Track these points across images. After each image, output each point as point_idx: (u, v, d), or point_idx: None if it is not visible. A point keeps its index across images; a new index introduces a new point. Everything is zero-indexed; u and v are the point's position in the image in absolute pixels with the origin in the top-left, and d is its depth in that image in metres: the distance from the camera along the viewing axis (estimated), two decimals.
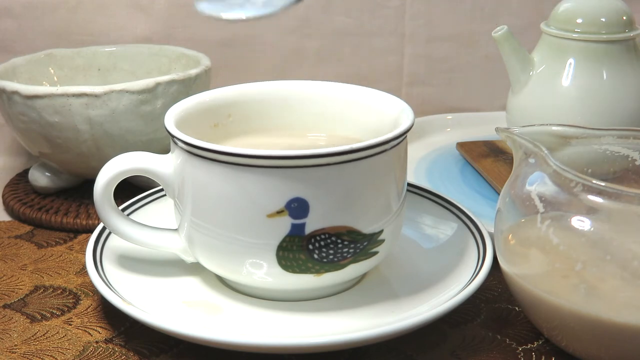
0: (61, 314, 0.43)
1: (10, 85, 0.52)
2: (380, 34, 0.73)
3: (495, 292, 0.44)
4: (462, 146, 0.62)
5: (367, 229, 0.38)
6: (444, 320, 0.41)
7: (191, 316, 0.39)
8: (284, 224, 0.37)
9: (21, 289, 0.46)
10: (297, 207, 0.36)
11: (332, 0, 0.72)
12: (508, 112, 0.56)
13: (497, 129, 0.42)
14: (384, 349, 0.39)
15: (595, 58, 0.51)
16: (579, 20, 0.52)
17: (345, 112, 0.46)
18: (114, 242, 0.44)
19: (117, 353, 0.39)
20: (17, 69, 0.59)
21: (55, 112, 0.51)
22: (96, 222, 0.52)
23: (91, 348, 0.39)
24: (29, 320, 0.42)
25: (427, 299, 0.40)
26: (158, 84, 0.52)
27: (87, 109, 0.51)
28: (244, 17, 0.30)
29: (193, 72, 0.55)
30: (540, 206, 0.37)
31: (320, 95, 0.46)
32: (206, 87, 0.56)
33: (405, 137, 0.40)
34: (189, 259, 0.42)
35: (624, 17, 0.52)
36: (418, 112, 0.43)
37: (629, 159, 0.42)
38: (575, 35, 0.52)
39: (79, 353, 0.39)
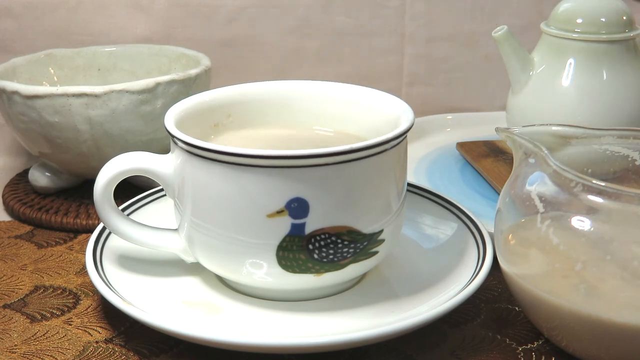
0: (61, 314, 0.43)
1: (10, 85, 0.52)
2: (380, 34, 0.73)
3: (495, 292, 0.44)
4: (462, 146, 0.62)
5: (367, 229, 0.38)
6: (444, 320, 0.41)
7: (191, 316, 0.39)
8: (284, 224, 0.37)
9: (21, 289, 0.46)
10: (297, 207, 0.36)
11: (332, 0, 0.72)
12: (508, 112, 0.56)
13: (497, 129, 0.42)
14: (384, 349, 0.39)
15: (595, 58, 0.51)
16: (579, 20, 0.52)
17: (345, 112, 0.46)
18: (114, 242, 0.44)
19: (117, 353, 0.39)
20: (17, 69, 0.59)
21: (55, 112, 0.51)
22: (96, 222, 0.52)
23: (91, 348, 0.39)
24: (29, 320, 0.42)
25: (427, 299, 0.40)
26: (158, 84, 0.52)
27: (87, 109, 0.51)
28: None
29: (193, 72, 0.55)
30: (540, 206, 0.37)
31: (321, 95, 0.46)
32: (206, 87, 0.56)
33: (405, 137, 0.40)
34: (189, 259, 0.42)
35: (624, 17, 0.52)
36: (418, 112, 0.43)
37: (629, 159, 0.42)
38: (575, 35, 0.52)
39: (79, 353, 0.39)
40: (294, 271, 0.38)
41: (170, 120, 0.40)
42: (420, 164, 0.60)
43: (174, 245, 0.42)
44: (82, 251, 0.50)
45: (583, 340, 0.36)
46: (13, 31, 0.68)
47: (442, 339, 0.40)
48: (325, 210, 0.37)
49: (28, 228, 0.54)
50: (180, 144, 0.38)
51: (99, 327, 0.41)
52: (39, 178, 0.57)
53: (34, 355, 0.39)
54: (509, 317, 0.42)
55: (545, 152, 0.38)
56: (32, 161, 0.64)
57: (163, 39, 0.69)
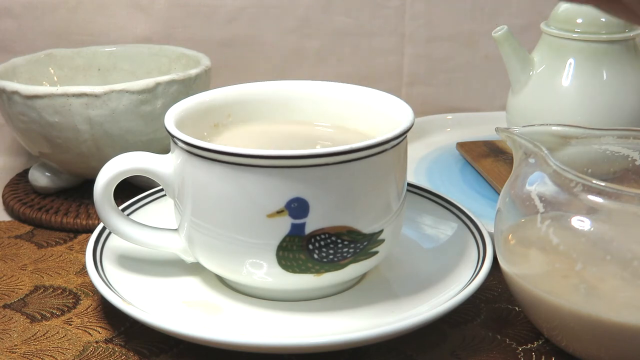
0: (61, 314, 0.43)
1: (10, 85, 0.52)
2: (380, 34, 0.73)
3: (495, 292, 0.44)
4: (462, 146, 0.62)
5: (367, 229, 0.38)
6: (444, 320, 0.41)
7: (191, 316, 0.39)
8: (284, 224, 0.37)
9: (21, 289, 0.46)
10: (297, 207, 0.36)
11: (332, 0, 0.72)
12: (508, 112, 0.56)
13: (497, 129, 0.42)
14: (384, 349, 0.39)
15: (595, 58, 0.51)
16: (579, 20, 0.52)
17: (346, 112, 0.46)
18: (114, 242, 0.44)
19: (117, 353, 0.39)
20: (17, 69, 0.59)
21: (55, 112, 0.51)
22: (96, 222, 0.52)
23: (91, 348, 0.39)
24: (29, 320, 0.42)
25: (427, 299, 0.40)
26: (158, 84, 0.52)
27: (87, 109, 0.51)
28: None
29: (193, 72, 0.55)
30: (540, 206, 0.37)
31: (321, 95, 0.46)
32: (206, 87, 0.56)
33: (405, 137, 0.40)
34: (189, 259, 0.42)
35: None
36: (418, 112, 0.43)
37: (629, 159, 0.42)
38: (575, 35, 0.52)
39: (79, 353, 0.39)
40: (294, 271, 0.38)
41: (170, 120, 0.40)
42: (420, 164, 0.60)
43: (174, 245, 0.42)
44: (82, 251, 0.50)
45: (583, 340, 0.36)
46: (13, 31, 0.68)
47: (442, 339, 0.40)
48: (325, 210, 0.37)
49: (28, 228, 0.54)
50: (180, 144, 0.38)
51: (99, 327, 0.41)
52: (39, 178, 0.57)
53: (34, 355, 0.39)
54: (509, 317, 0.42)
55: (545, 152, 0.38)
56: (32, 161, 0.64)
57: (163, 39, 0.69)
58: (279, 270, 0.38)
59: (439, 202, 0.48)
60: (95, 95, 0.51)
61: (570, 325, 0.36)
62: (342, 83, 0.46)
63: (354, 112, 0.45)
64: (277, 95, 0.47)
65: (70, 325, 0.41)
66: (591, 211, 0.35)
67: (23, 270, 0.48)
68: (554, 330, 0.37)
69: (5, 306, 0.44)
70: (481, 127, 0.66)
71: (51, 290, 0.45)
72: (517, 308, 0.42)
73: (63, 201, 0.57)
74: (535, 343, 0.39)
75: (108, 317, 0.42)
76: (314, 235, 0.37)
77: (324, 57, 0.73)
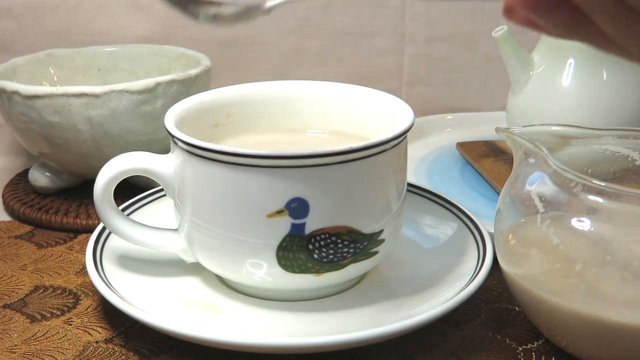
0: (61, 314, 0.43)
1: (10, 85, 0.52)
2: (380, 34, 0.73)
3: (495, 292, 0.44)
4: (462, 146, 0.62)
5: (367, 229, 0.38)
6: (444, 320, 0.41)
7: (191, 316, 0.39)
8: (284, 224, 0.37)
9: (21, 289, 0.46)
10: (297, 207, 0.36)
11: (332, 0, 0.72)
12: (508, 112, 0.56)
13: (497, 129, 0.42)
14: (384, 349, 0.39)
15: (595, 58, 0.51)
16: None
17: (345, 112, 0.46)
18: (114, 242, 0.44)
19: (117, 353, 0.39)
20: (17, 69, 0.59)
21: (55, 112, 0.51)
22: (96, 222, 0.52)
23: (91, 348, 0.39)
24: (29, 320, 0.42)
25: (427, 299, 0.40)
26: (158, 84, 0.52)
27: (87, 109, 0.51)
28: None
29: (193, 72, 0.55)
30: (540, 206, 0.37)
31: (320, 95, 0.46)
32: (206, 87, 0.56)
33: (405, 137, 0.40)
34: (189, 259, 0.42)
35: None
36: (418, 112, 0.43)
37: (629, 159, 0.42)
38: None
39: (79, 353, 0.39)
40: (294, 271, 0.38)
41: (170, 120, 0.40)
42: (420, 164, 0.60)
43: (174, 245, 0.42)
44: (82, 251, 0.50)
45: (583, 340, 0.36)
46: (13, 31, 0.68)
47: (442, 339, 0.40)
48: (325, 210, 0.37)
49: (28, 228, 0.54)
50: (180, 144, 0.38)
51: (99, 327, 0.41)
52: (39, 178, 0.57)
53: (34, 355, 0.39)
54: (509, 317, 0.42)
55: (545, 152, 0.38)
56: (32, 161, 0.64)
57: (163, 39, 0.69)
58: (279, 270, 0.38)
59: (439, 202, 0.48)
60: (95, 95, 0.51)
61: (570, 325, 0.36)
62: (342, 83, 0.46)
63: (354, 113, 0.45)
64: (276, 95, 0.47)
65: (70, 325, 0.41)
66: (591, 211, 0.35)
67: (23, 270, 0.48)
68: (554, 330, 0.37)
69: (5, 306, 0.44)
70: (481, 127, 0.66)
71: (51, 290, 0.45)
72: (517, 308, 0.42)
73: (63, 201, 0.57)
74: (535, 343, 0.39)
75: (108, 317, 0.42)
76: (314, 235, 0.37)
77: (324, 57, 0.73)
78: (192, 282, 0.43)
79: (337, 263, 0.38)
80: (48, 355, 0.39)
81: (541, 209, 0.37)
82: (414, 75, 0.75)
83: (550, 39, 0.53)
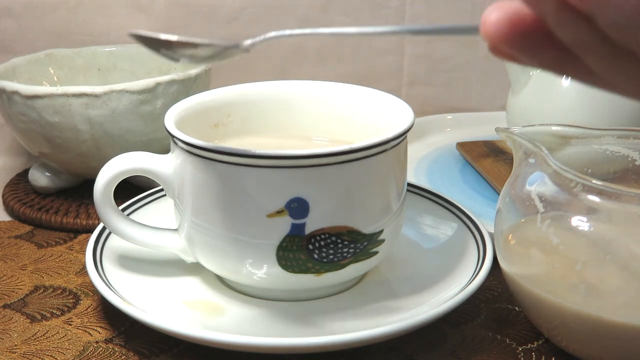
0: (61, 314, 0.43)
1: (10, 85, 0.52)
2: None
3: (495, 292, 0.44)
4: (462, 146, 0.62)
5: (367, 229, 0.38)
6: (444, 320, 0.41)
7: (191, 316, 0.39)
8: (284, 224, 0.37)
9: (21, 289, 0.46)
10: (297, 207, 0.36)
11: (332, 0, 0.72)
12: (508, 112, 0.56)
13: (497, 129, 0.42)
14: (384, 349, 0.39)
15: None
16: None
17: (345, 112, 0.46)
18: (114, 242, 0.44)
19: (117, 353, 0.39)
20: (17, 69, 0.59)
21: (55, 112, 0.51)
22: (96, 222, 0.52)
23: (91, 348, 0.39)
24: (29, 320, 0.42)
25: (427, 299, 0.40)
26: (158, 84, 0.52)
27: (87, 109, 0.51)
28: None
29: (193, 72, 0.55)
30: (540, 206, 0.37)
31: (320, 95, 0.46)
32: (206, 87, 0.56)
33: (405, 137, 0.40)
34: (189, 259, 0.42)
35: None
36: (418, 112, 0.43)
37: (629, 159, 0.42)
38: None
39: (79, 353, 0.39)
40: (294, 271, 0.38)
41: (170, 120, 0.40)
42: (420, 164, 0.60)
43: (174, 245, 0.42)
44: (82, 251, 0.50)
45: (583, 340, 0.36)
46: (13, 31, 0.68)
47: (442, 339, 0.40)
48: (325, 210, 0.37)
49: (28, 228, 0.54)
50: (180, 144, 0.38)
51: (99, 327, 0.41)
52: (39, 178, 0.57)
53: (34, 355, 0.39)
54: (509, 317, 0.42)
55: (545, 152, 0.38)
56: (32, 161, 0.64)
57: None
58: (279, 270, 0.38)
59: (439, 202, 0.48)
60: (95, 95, 0.51)
61: (570, 325, 0.36)
62: (342, 83, 0.46)
63: (354, 113, 0.45)
64: (277, 95, 0.47)
65: (70, 325, 0.41)
66: (591, 211, 0.35)
67: (23, 270, 0.48)
68: (554, 330, 0.37)
69: (5, 306, 0.44)
70: (481, 127, 0.66)
71: (51, 290, 0.45)
72: (517, 308, 0.42)
73: (63, 201, 0.57)
74: (535, 343, 0.39)
75: (108, 317, 0.42)
76: (314, 235, 0.37)
77: (324, 57, 0.73)
78: (192, 282, 0.43)
79: (337, 263, 0.38)
80: (48, 355, 0.39)
81: (541, 209, 0.37)
82: (414, 75, 0.75)
83: None
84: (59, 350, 0.39)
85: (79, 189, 0.58)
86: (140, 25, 0.69)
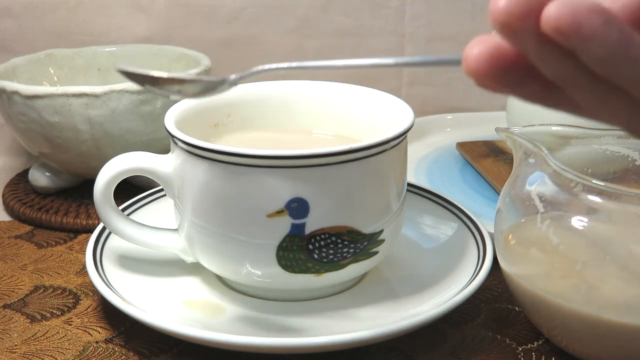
0: (61, 314, 0.43)
1: (10, 85, 0.52)
2: (380, 34, 0.73)
3: (495, 292, 0.44)
4: (462, 146, 0.62)
5: (367, 229, 0.38)
6: (444, 320, 0.41)
7: (191, 316, 0.39)
8: (284, 224, 0.37)
9: (21, 289, 0.46)
10: (297, 207, 0.36)
11: (332, 0, 0.72)
12: (508, 112, 0.56)
13: (497, 129, 0.42)
14: (384, 349, 0.39)
15: None
16: None
17: (345, 113, 0.46)
18: (114, 242, 0.44)
19: (117, 353, 0.39)
20: (17, 69, 0.59)
21: (55, 112, 0.51)
22: (96, 222, 0.52)
23: (91, 348, 0.39)
24: (29, 320, 0.42)
25: (427, 299, 0.40)
26: None
27: (87, 109, 0.51)
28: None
29: (193, 72, 0.55)
30: (540, 206, 0.37)
31: (320, 95, 0.46)
32: None
33: (405, 137, 0.40)
34: (189, 259, 0.42)
35: None
36: (418, 112, 0.43)
37: (629, 159, 0.42)
38: None
39: (79, 353, 0.39)
40: (294, 271, 0.38)
41: (170, 120, 0.40)
42: (420, 164, 0.60)
43: (174, 245, 0.42)
44: (82, 251, 0.50)
45: (583, 340, 0.36)
46: (13, 31, 0.68)
47: (442, 339, 0.40)
48: (325, 210, 0.37)
49: (28, 228, 0.54)
50: (180, 144, 0.38)
51: (99, 327, 0.41)
52: (39, 178, 0.57)
53: (34, 355, 0.39)
54: (509, 317, 0.42)
55: (545, 152, 0.38)
56: (32, 161, 0.64)
57: (163, 39, 0.69)
58: (279, 270, 0.38)
59: (439, 202, 0.48)
60: (95, 95, 0.51)
61: (570, 325, 0.36)
62: (342, 83, 0.46)
63: (353, 113, 0.45)
64: (277, 95, 0.47)
65: (70, 325, 0.41)
66: (591, 211, 0.35)
67: (23, 270, 0.48)
68: (554, 330, 0.37)
69: (5, 306, 0.44)
70: (481, 127, 0.66)
71: (51, 290, 0.45)
72: (517, 308, 0.42)
73: (63, 201, 0.57)
74: (535, 343, 0.39)
75: (108, 317, 0.42)
76: (314, 235, 0.37)
77: (324, 57, 0.73)
78: (192, 282, 0.43)
79: (337, 263, 0.38)
80: (48, 355, 0.39)
81: (541, 209, 0.37)
82: (414, 75, 0.75)
83: None
84: (59, 350, 0.39)
85: (79, 189, 0.58)
86: (140, 25, 0.69)
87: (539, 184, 0.38)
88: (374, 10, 0.73)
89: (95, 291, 0.44)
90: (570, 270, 0.35)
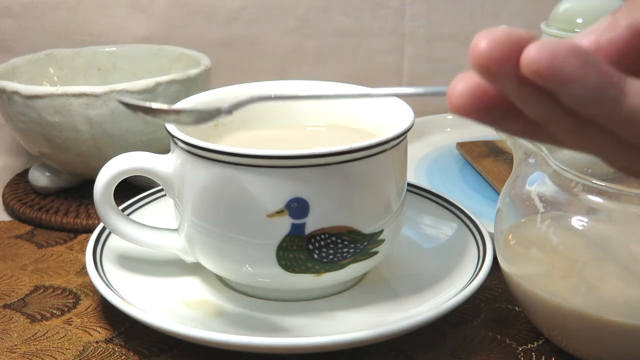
0: (61, 314, 0.43)
1: (10, 85, 0.52)
2: (380, 34, 0.73)
3: (495, 292, 0.44)
4: (462, 146, 0.62)
5: (367, 229, 0.38)
6: (444, 320, 0.41)
7: (191, 316, 0.39)
8: (284, 224, 0.37)
9: (21, 289, 0.46)
10: (297, 207, 0.36)
11: (332, 0, 0.72)
12: None
13: (497, 129, 0.42)
14: (384, 348, 0.39)
15: None
16: (579, 20, 0.52)
17: (345, 112, 0.46)
18: (114, 242, 0.44)
19: (117, 353, 0.39)
20: (17, 69, 0.59)
21: (55, 112, 0.51)
22: (96, 222, 0.52)
23: (91, 348, 0.39)
24: (29, 320, 0.42)
25: (427, 299, 0.40)
26: (158, 84, 0.52)
27: (87, 109, 0.51)
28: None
29: (193, 72, 0.55)
30: (540, 206, 0.37)
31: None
32: (206, 87, 0.56)
33: (405, 137, 0.40)
34: (189, 259, 0.42)
35: None
36: (418, 112, 0.43)
37: None
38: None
39: (79, 353, 0.39)
40: (294, 271, 0.38)
41: None
42: (420, 164, 0.60)
43: (174, 245, 0.42)
44: (82, 251, 0.50)
45: (583, 340, 0.36)
46: (13, 31, 0.68)
47: (442, 339, 0.40)
48: (325, 210, 0.37)
49: (28, 228, 0.54)
50: (180, 144, 0.38)
51: (99, 327, 0.41)
52: (39, 178, 0.57)
53: (34, 355, 0.39)
54: (509, 317, 0.42)
55: (545, 152, 0.38)
56: (32, 161, 0.64)
57: (163, 39, 0.69)
58: (279, 270, 0.38)
59: (439, 202, 0.48)
60: (95, 95, 0.51)
61: (570, 325, 0.36)
62: (342, 83, 0.46)
63: (354, 113, 0.45)
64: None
65: (70, 325, 0.41)
66: (591, 211, 0.35)
67: (23, 270, 0.48)
68: (554, 330, 0.37)
69: (5, 306, 0.44)
70: (481, 127, 0.66)
71: (51, 290, 0.45)
72: (517, 308, 0.42)
73: (63, 201, 0.57)
74: (535, 343, 0.39)
75: (108, 317, 0.42)
76: (314, 235, 0.37)
77: (324, 57, 0.73)
78: (192, 282, 0.43)
79: (337, 263, 0.38)
80: (48, 355, 0.39)
81: (541, 209, 0.37)
82: (414, 75, 0.75)
83: (550, 39, 0.53)
84: (59, 350, 0.39)
85: (79, 189, 0.58)
86: (140, 25, 0.69)
87: (539, 184, 0.38)
88: (374, 10, 0.73)
89: (95, 291, 0.44)
90: (570, 270, 0.35)
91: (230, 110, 0.28)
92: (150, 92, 0.52)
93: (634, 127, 0.20)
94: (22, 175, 0.62)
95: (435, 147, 0.64)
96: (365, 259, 0.39)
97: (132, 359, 0.38)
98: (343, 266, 0.38)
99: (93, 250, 0.43)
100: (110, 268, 0.42)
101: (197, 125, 0.33)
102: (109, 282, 0.40)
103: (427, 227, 0.47)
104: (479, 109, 0.22)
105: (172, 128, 0.39)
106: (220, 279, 0.43)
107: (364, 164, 0.37)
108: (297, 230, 0.37)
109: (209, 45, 0.69)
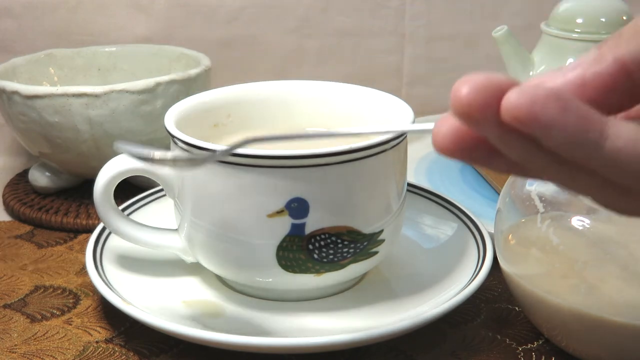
0: (61, 314, 0.43)
1: (10, 85, 0.52)
2: (380, 34, 0.73)
3: (495, 292, 0.44)
4: None
5: (367, 229, 0.38)
6: (444, 320, 0.41)
7: (191, 316, 0.39)
8: (284, 224, 0.37)
9: (21, 289, 0.46)
10: (297, 207, 0.36)
11: (332, 0, 0.72)
12: None
13: None
14: (384, 349, 0.39)
15: None
16: (579, 20, 0.52)
17: (345, 113, 0.46)
18: (114, 242, 0.44)
19: (117, 353, 0.39)
20: (17, 69, 0.59)
21: (55, 112, 0.51)
22: (96, 222, 0.52)
23: (91, 348, 0.39)
24: (29, 320, 0.42)
25: (427, 299, 0.40)
26: (158, 84, 0.52)
27: (87, 109, 0.51)
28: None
29: (193, 72, 0.55)
30: (540, 206, 0.37)
31: (320, 95, 0.46)
32: (206, 87, 0.56)
33: (405, 137, 0.40)
34: (189, 259, 0.42)
35: (624, 17, 0.52)
36: (418, 112, 0.43)
37: None
38: (575, 35, 0.52)
39: (79, 353, 0.39)
40: (294, 271, 0.38)
41: (170, 120, 0.40)
42: (420, 164, 0.60)
43: (174, 245, 0.42)
44: (82, 251, 0.50)
45: (583, 340, 0.36)
46: (13, 31, 0.68)
47: (442, 339, 0.40)
48: (325, 210, 0.37)
49: (28, 228, 0.54)
50: (180, 144, 0.38)
51: (99, 327, 0.41)
52: (39, 178, 0.57)
53: (34, 355, 0.39)
54: (509, 317, 0.42)
55: None
56: (32, 161, 0.64)
57: (163, 39, 0.69)
58: (279, 270, 0.38)
59: (439, 202, 0.48)
60: (95, 95, 0.51)
61: (570, 325, 0.36)
62: (342, 83, 0.46)
63: (354, 113, 0.45)
64: (276, 95, 0.47)
65: (70, 325, 0.41)
66: (591, 211, 0.35)
67: (23, 270, 0.48)
68: (554, 330, 0.37)
69: (5, 306, 0.44)
70: None
71: (51, 290, 0.45)
72: (517, 308, 0.42)
73: (63, 201, 0.57)
74: (535, 343, 0.39)
75: (108, 317, 0.42)
76: (314, 235, 0.37)
77: (324, 57, 0.73)
78: (192, 282, 0.43)
79: (337, 263, 0.38)
80: (48, 355, 0.39)
81: (541, 209, 0.37)
82: (414, 75, 0.75)
83: (550, 39, 0.53)
84: (59, 350, 0.39)
85: (79, 189, 0.58)
86: (140, 25, 0.69)
87: (539, 184, 0.38)
88: (374, 10, 0.73)
89: (95, 291, 0.44)
90: (570, 270, 0.35)
91: (224, 154, 0.28)
92: (150, 92, 0.52)
93: (616, 168, 0.21)
94: (22, 175, 0.62)
95: None
96: (365, 259, 0.39)
97: (132, 359, 0.38)
98: (343, 266, 0.38)
99: (93, 250, 0.43)
100: (110, 268, 0.42)
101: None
102: (109, 282, 0.40)
103: (427, 227, 0.47)
104: (462, 149, 0.22)
105: (172, 128, 0.39)
106: (220, 279, 0.43)
107: (364, 164, 0.37)
108: (297, 230, 0.37)
109: (209, 45, 0.69)
